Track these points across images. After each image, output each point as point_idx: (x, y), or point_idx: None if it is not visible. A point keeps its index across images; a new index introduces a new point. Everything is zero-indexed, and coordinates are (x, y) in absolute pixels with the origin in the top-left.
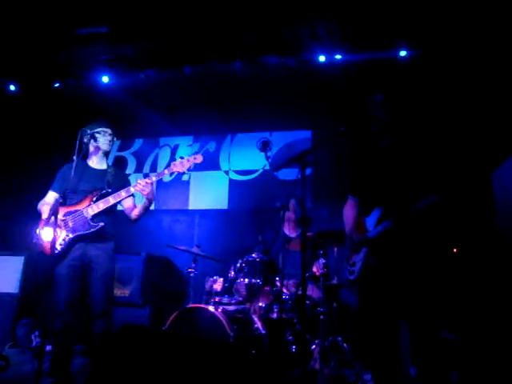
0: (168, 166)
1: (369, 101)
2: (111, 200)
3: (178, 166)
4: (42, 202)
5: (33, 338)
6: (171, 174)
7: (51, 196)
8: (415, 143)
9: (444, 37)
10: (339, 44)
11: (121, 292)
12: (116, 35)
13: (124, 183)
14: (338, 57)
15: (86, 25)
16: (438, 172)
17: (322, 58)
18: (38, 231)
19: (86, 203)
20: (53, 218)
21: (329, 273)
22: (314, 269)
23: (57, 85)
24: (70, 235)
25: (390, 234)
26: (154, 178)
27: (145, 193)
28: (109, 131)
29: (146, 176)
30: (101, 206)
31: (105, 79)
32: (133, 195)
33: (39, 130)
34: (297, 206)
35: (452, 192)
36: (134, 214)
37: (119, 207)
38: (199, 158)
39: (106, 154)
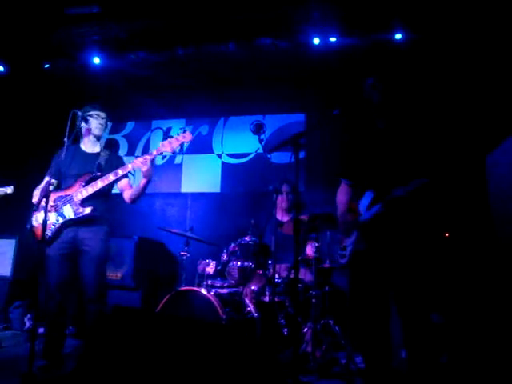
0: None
1: (362, 84)
2: (99, 183)
3: (167, 146)
4: (37, 187)
5: (26, 320)
6: (160, 154)
7: (46, 180)
8: (409, 126)
9: (440, 20)
10: (334, 26)
11: (113, 275)
12: (107, 15)
13: (118, 166)
14: (333, 39)
15: (77, 4)
16: (431, 154)
17: (316, 41)
18: (30, 215)
19: (76, 187)
20: (44, 201)
21: (321, 256)
22: (308, 251)
23: (47, 66)
24: (61, 220)
25: (381, 218)
26: (147, 157)
27: (144, 169)
28: (102, 115)
29: None
30: (89, 190)
31: (96, 60)
32: (127, 176)
33: (30, 112)
34: (289, 190)
35: (444, 175)
36: (131, 194)
37: (116, 190)
38: (188, 136)
39: (99, 138)
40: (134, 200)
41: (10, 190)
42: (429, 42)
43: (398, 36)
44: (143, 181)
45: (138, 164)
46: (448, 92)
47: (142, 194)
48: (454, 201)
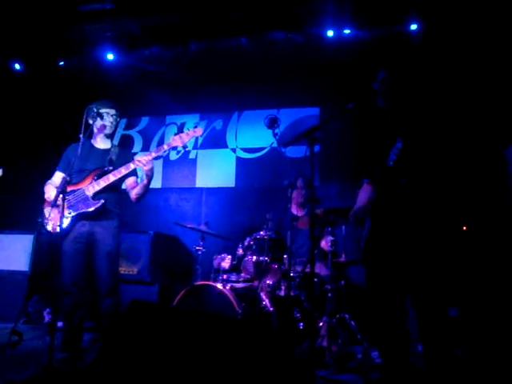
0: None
1: (376, 77)
2: (111, 177)
3: (177, 141)
4: (47, 182)
5: (45, 314)
6: (171, 148)
7: (57, 176)
8: (426, 120)
9: (456, 9)
10: (348, 18)
11: (129, 270)
12: (121, 11)
13: (129, 161)
14: (347, 31)
15: (90, 1)
16: (448, 149)
17: (330, 33)
18: (44, 210)
19: (88, 182)
20: (60, 196)
21: (337, 250)
22: (323, 244)
23: (62, 63)
24: (73, 213)
25: (396, 211)
26: (153, 154)
27: (145, 168)
28: (112, 112)
29: None
30: (101, 183)
31: (110, 56)
32: (136, 175)
33: (46, 109)
34: (304, 185)
35: (464, 170)
36: (135, 193)
37: (123, 186)
38: (199, 131)
39: (110, 135)
40: (138, 199)
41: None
42: (445, 32)
43: (414, 27)
44: (146, 179)
45: (140, 164)
46: (466, 84)
47: (146, 192)
48: (472, 194)
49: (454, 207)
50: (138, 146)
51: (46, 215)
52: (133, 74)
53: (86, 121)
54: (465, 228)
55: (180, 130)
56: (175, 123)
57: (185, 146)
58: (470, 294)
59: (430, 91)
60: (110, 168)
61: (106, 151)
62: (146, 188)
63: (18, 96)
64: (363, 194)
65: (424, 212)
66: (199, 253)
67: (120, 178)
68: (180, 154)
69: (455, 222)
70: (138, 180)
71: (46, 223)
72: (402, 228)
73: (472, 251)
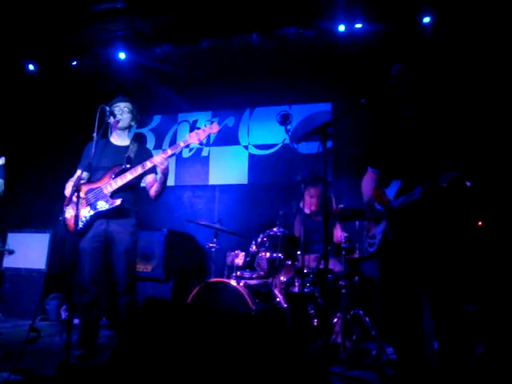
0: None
1: (389, 71)
2: (128, 176)
3: (194, 137)
4: (69, 180)
5: (61, 311)
6: (187, 146)
7: (77, 174)
8: (438, 114)
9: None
10: (359, 12)
11: (144, 267)
12: (132, 10)
13: (147, 159)
14: (359, 26)
15: (101, 1)
16: (462, 143)
17: (341, 28)
18: (63, 208)
19: (106, 180)
20: (75, 194)
21: (351, 246)
22: (335, 239)
23: (74, 63)
24: (92, 212)
25: (415, 206)
26: (169, 152)
27: (162, 166)
28: (122, 105)
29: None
30: (119, 182)
31: (122, 55)
32: (155, 172)
33: (60, 107)
34: (316, 194)
35: (477, 164)
36: (153, 190)
37: (142, 184)
38: (215, 128)
39: (127, 130)
40: (157, 196)
41: (1, 161)
42: (459, 24)
43: (426, 19)
44: (162, 177)
45: (157, 162)
46: (479, 78)
47: (163, 189)
48: (489, 189)
49: (472, 203)
50: (150, 144)
51: (66, 213)
52: (144, 73)
53: (100, 119)
54: (480, 223)
55: (195, 127)
56: (187, 121)
57: (201, 143)
58: (489, 289)
59: (449, 84)
60: (128, 166)
61: (125, 148)
62: (164, 185)
63: (33, 96)
64: (368, 183)
65: (448, 208)
66: (212, 250)
67: (137, 176)
68: (192, 152)
69: (472, 217)
70: (157, 177)
71: (66, 220)
72: (421, 224)
73: (488, 246)
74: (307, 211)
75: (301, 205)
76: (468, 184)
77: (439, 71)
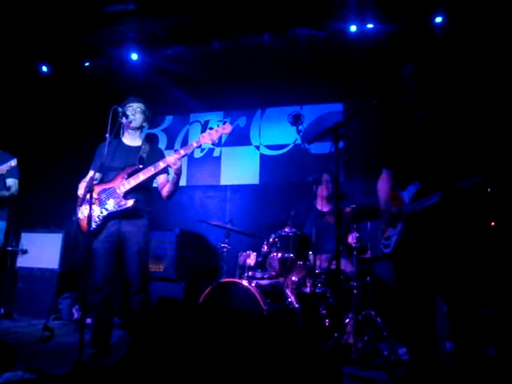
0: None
1: (401, 72)
2: (141, 176)
3: (206, 138)
4: (82, 180)
5: (74, 311)
6: (199, 146)
7: (90, 174)
8: (453, 115)
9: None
10: (371, 12)
11: (156, 267)
12: (143, 12)
13: (159, 159)
14: (370, 26)
15: (113, 2)
16: (479, 145)
17: (353, 28)
18: (76, 208)
19: (119, 180)
20: (88, 195)
21: (363, 247)
22: (350, 240)
23: (87, 64)
24: (105, 212)
25: (434, 208)
26: (182, 152)
27: (175, 167)
28: (134, 105)
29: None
30: (132, 182)
31: (134, 56)
32: (167, 172)
33: (73, 108)
34: (330, 180)
35: (493, 166)
36: (166, 190)
37: (155, 184)
38: (228, 128)
39: (139, 130)
40: (169, 196)
41: (13, 162)
42: (471, 24)
43: (439, 19)
44: (175, 177)
45: (170, 162)
46: (493, 79)
47: (176, 189)
48: (503, 190)
49: (487, 204)
50: (162, 144)
51: (79, 213)
52: (156, 74)
53: (112, 120)
54: (493, 223)
55: (205, 128)
56: (199, 121)
57: (214, 143)
58: (502, 290)
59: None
60: (140, 166)
61: (137, 148)
62: (176, 185)
63: (46, 97)
64: (383, 185)
65: (467, 212)
66: (224, 250)
67: (150, 177)
68: (204, 152)
69: (487, 219)
70: (170, 177)
71: (79, 221)
72: (439, 227)
73: (502, 247)
74: (319, 207)
75: (315, 202)
76: (489, 190)
77: (451, 72)
